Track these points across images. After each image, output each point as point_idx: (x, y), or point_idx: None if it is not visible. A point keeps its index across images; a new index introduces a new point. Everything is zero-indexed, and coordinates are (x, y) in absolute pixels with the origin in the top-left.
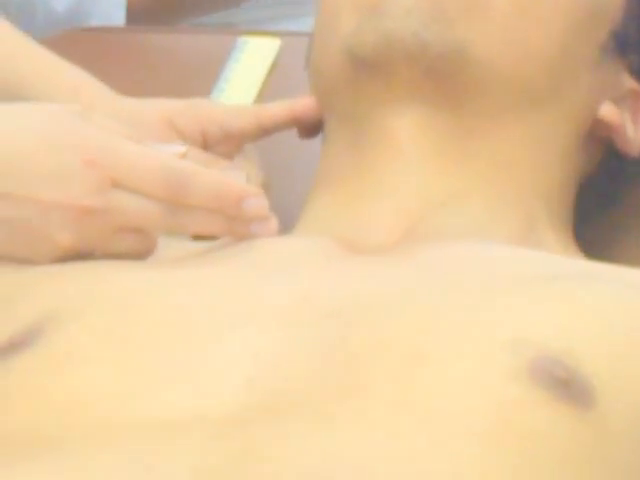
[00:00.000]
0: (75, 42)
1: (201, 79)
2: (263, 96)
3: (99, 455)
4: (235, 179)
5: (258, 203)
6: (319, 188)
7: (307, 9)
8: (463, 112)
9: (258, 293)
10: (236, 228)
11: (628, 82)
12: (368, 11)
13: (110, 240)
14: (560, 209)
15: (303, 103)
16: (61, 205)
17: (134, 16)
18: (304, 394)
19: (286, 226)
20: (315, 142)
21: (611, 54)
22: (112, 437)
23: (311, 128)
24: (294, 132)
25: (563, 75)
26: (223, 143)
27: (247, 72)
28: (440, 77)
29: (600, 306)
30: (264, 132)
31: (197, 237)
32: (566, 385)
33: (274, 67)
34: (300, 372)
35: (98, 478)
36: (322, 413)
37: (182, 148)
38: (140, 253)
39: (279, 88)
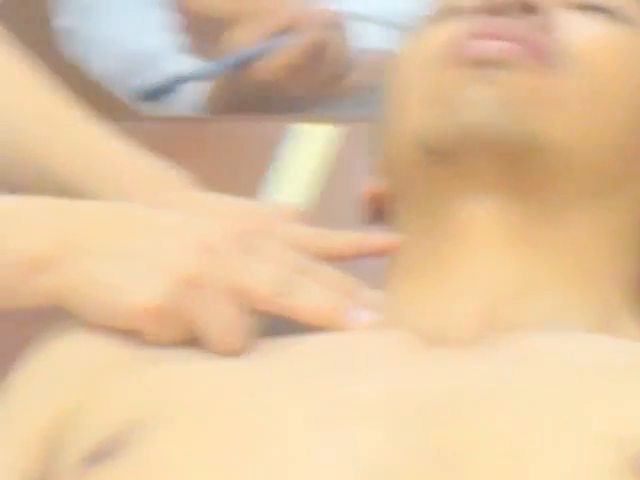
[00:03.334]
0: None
1: (256, 166)
2: (318, 184)
3: None
4: None
5: (372, 295)
6: (392, 278)
7: None
8: (537, 201)
9: (345, 393)
10: (337, 316)
11: None
12: (442, 104)
13: (217, 300)
14: (636, 293)
15: (376, 244)
16: (190, 244)
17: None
18: None
19: None
20: None
21: None
22: None
23: (376, 215)
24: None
25: (633, 161)
26: None
27: (302, 160)
28: (515, 167)
29: None
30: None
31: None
32: None
33: (330, 154)
34: (404, 477)
35: None
36: None
37: None
38: (232, 340)
39: (335, 176)
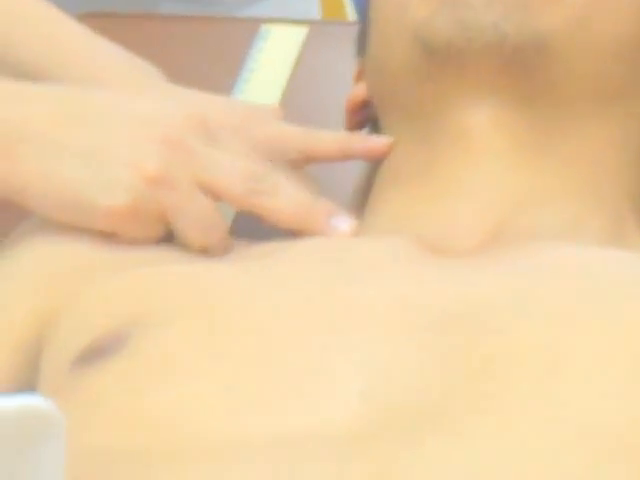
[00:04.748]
0: (93, 27)
1: (224, 68)
2: (289, 87)
3: (209, 475)
4: None
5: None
6: (385, 187)
7: None
8: (541, 107)
9: (353, 298)
10: (316, 217)
11: None
12: (443, 0)
13: (187, 196)
14: None
15: (364, 146)
16: (152, 137)
17: None
18: (432, 408)
19: None
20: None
21: None
22: (220, 456)
23: (359, 122)
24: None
25: (639, 67)
26: None
27: (271, 62)
28: (518, 70)
29: None
30: (310, 163)
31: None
32: None
33: (300, 57)
34: (422, 383)
35: None
36: (459, 429)
37: None
38: (209, 233)
39: (306, 78)
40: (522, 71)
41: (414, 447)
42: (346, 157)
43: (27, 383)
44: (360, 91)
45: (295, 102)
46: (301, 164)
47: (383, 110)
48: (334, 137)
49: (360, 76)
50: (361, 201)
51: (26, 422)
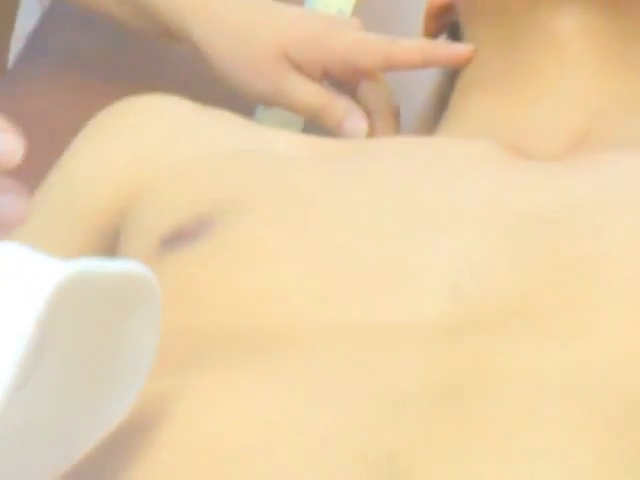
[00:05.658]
0: None
1: None
2: None
3: (299, 359)
4: None
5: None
6: (467, 92)
7: None
8: (632, 15)
9: (442, 196)
10: (332, 110)
11: None
12: None
13: None
14: None
15: (446, 52)
16: None
17: None
18: (522, 305)
19: None
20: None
21: None
22: (310, 341)
23: (437, 28)
24: None
25: None
26: (346, 76)
27: None
28: None
29: None
30: (391, 70)
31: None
32: None
33: None
34: (511, 280)
35: (315, 382)
36: (550, 326)
37: None
38: None
39: None
40: None
41: (504, 343)
42: (427, 64)
43: None
44: None
45: (370, 7)
46: (381, 71)
47: (467, 15)
48: (416, 43)
49: None
50: (435, 109)
51: (128, 285)
